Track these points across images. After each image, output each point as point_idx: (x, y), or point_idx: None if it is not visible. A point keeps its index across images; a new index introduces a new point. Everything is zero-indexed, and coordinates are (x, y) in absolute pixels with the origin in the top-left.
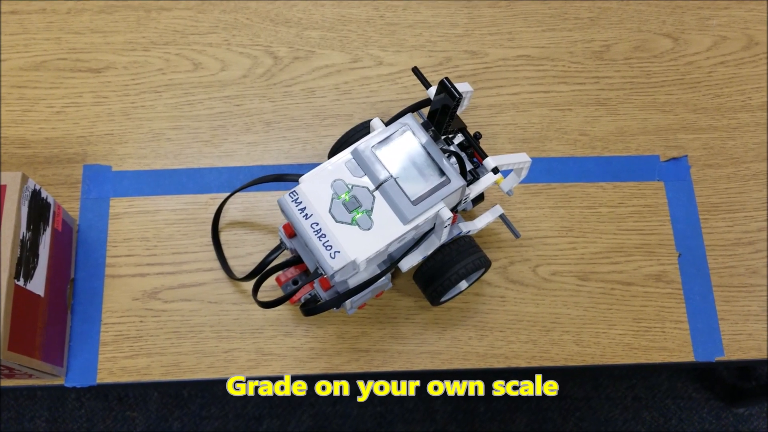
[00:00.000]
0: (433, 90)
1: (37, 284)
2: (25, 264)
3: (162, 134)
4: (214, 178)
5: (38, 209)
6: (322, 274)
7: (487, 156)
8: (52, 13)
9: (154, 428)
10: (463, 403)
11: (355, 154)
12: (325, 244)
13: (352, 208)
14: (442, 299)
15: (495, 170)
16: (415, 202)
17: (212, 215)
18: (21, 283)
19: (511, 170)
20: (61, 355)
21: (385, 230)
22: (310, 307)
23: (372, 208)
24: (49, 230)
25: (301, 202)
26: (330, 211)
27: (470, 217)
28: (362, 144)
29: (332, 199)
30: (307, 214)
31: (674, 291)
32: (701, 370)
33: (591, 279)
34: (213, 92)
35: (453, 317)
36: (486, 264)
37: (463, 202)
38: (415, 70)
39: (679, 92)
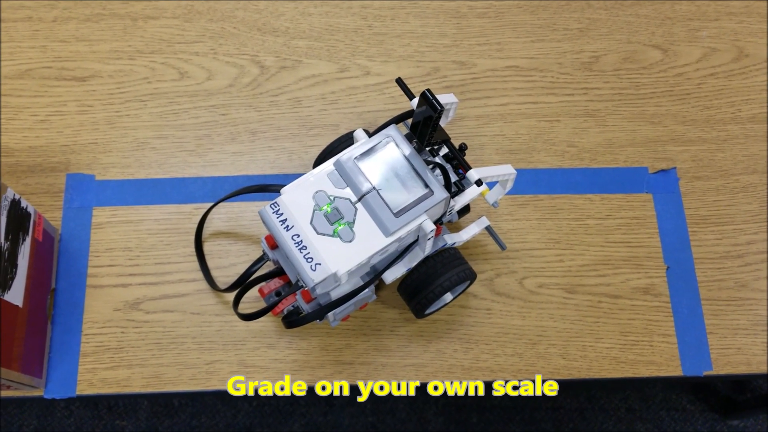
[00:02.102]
0: (416, 101)
1: (16, 295)
2: (2, 274)
3: (146, 143)
4: (198, 188)
5: (17, 219)
6: (303, 286)
7: (470, 168)
8: (38, 21)
9: None
10: (455, 413)
11: (338, 165)
12: (306, 256)
13: (334, 219)
14: (427, 312)
15: (478, 182)
16: (398, 214)
17: (196, 225)
18: None
19: (496, 181)
20: (40, 366)
21: (367, 242)
22: (292, 320)
23: (354, 220)
24: (29, 240)
25: (282, 214)
26: (311, 223)
27: (456, 228)
28: (345, 155)
29: (314, 210)
30: (288, 226)
31: (662, 304)
32: (695, 382)
33: (578, 291)
34: (198, 101)
35: (438, 330)
36: (471, 276)
37: (448, 213)
38: (399, 81)
39: (669, 104)
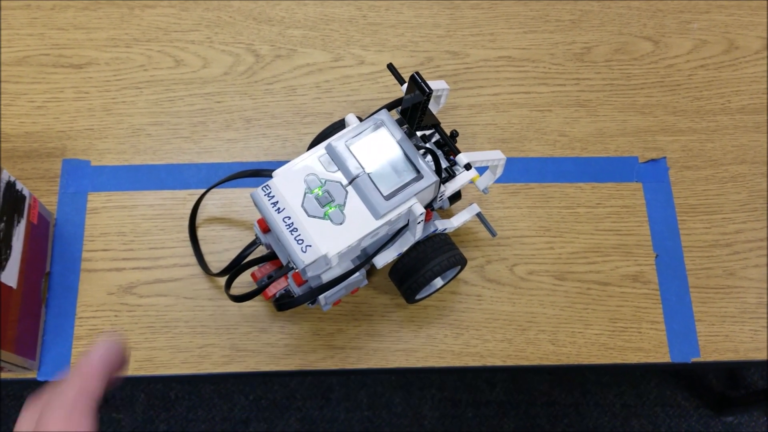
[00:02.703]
0: (406, 87)
1: (10, 276)
2: None
3: (142, 130)
4: (192, 174)
5: (12, 201)
6: (294, 268)
7: (460, 153)
8: (36, 9)
9: (140, 430)
10: (450, 408)
11: (329, 149)
12: (297, 238)
13: (325, 202)
14: (417, 296)
15: (467, 166)
16: (388, 197)
17: (190, 211)
18: None
19: (487, 167)
20: (33, 348)
21: (358, 225)
22: (283, 302)
23: (345, 202)
24: (23, 222)
25: (273, 196)
26: (302, 206)
27: (448, 215)
28: (336, 139)
29: (305, 193)
30: (279, 208)
31: (651, 292)
32: (690, 378)
33: (568, 279)
34: (194, 89)
35: (429, 315)
36: (461, 262)
37: (438, 199)
38: (390, 67)
39: (659, 94)
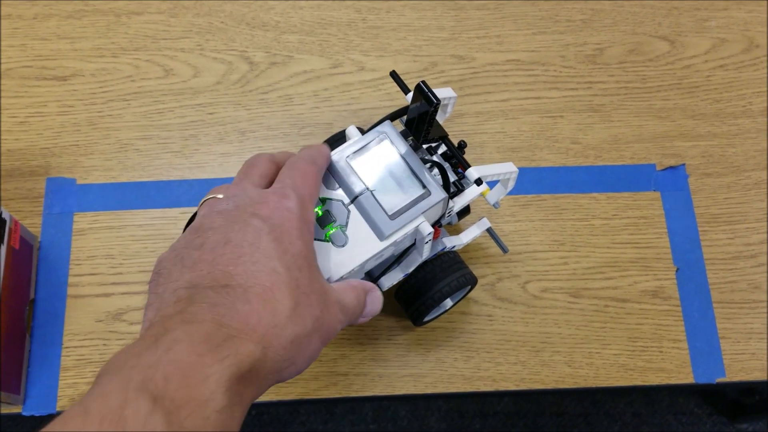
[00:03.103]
0: (411, 96)
1: None
2: None
3: (130, 145)
4: (184, 191)
5: None
6: None
7: (470, 166)
8: (18, 19)
9: None
10: (458, 419)
11: (330, 166)
12: None
13: (326, 223)
14: (426, 319)
15: (478, 181)
16: (393, 217)
17: (181, 231)
18: None
19: (497, 180)
20: (18, 382)
21: (361, 247)
22: None
23: (347, 222)
24: (4, 248)
25: None
26: None
27: (456, 231)
28: (336, 154)
29: None
30: None
31: (672, 308)
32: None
33: (583, 296)
34: (184, 100)
35: (437, 337)
36: (472, 281)
37: (447, 215)
38: (393, 75)
39: (676, 97)
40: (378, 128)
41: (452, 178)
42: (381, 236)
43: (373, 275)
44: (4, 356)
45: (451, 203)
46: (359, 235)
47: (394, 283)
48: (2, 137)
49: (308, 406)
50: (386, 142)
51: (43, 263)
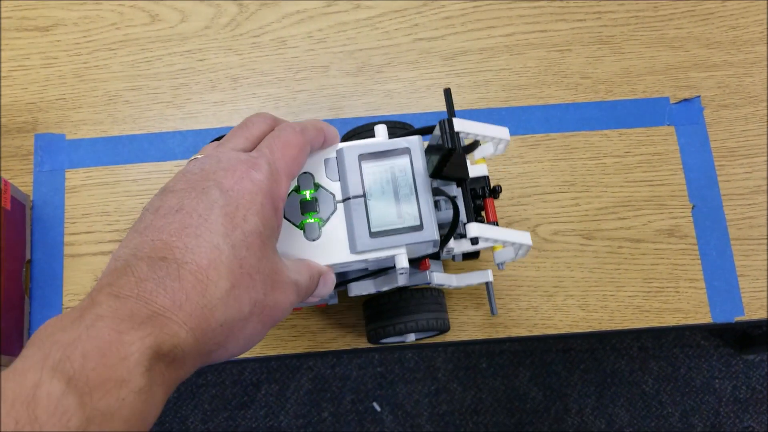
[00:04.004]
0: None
1: None
2: None
3: (118, 96)
4: (177, 143)
5: None
6: None
7: (475, 221)
8: None
9: None
10: (464, 359)
11: (339, 155)
12: None
13: (308, 210)
14: (382, 342)
15: (474, 241)
16: (374, 235)
17: None
18: None
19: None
20: (19, 344)
21: (329, 250)
22: None
23: (328, 219)
24: None
25: None
26: None
27: (458, 268)
28: (352, 147)
29: (292, 190)
30: None
31: (688, 247)
32: None
33: (596, 237)
34: (173, 47)
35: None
36: (443, 328)
37: (446, 252)
38: (447, 93)
39: (690, 25)
40: (406, 139)
41: (465, 220)
42: (353, 249)
43: (343, 277)
44: (4, 320)
45: (451, 244)
46: (333, 237)
47: (363, 294)
48: None
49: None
50: (406, 158)
51: (38, 223)
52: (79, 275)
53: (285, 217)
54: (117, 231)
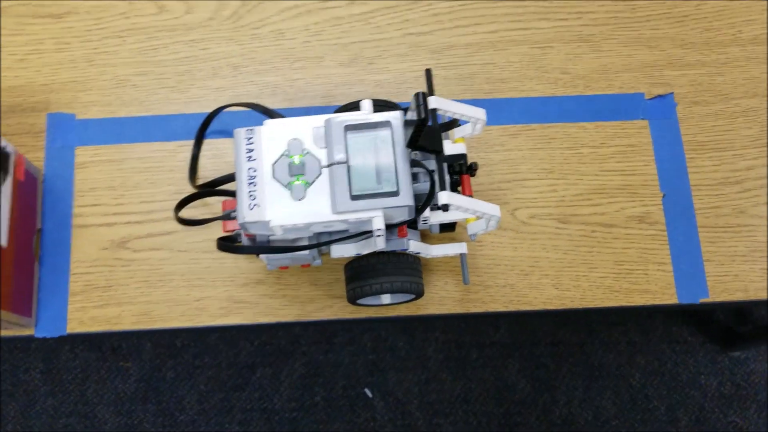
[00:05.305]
0: (433, 99)
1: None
2: None
3: (126, 80)
4: (181, 125)
5: None
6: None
7: (447, 190)
8: None
9: (148, 378)
10: (455, 349)
11: (327, 124)
12: (250, 193)
13: (296, 173)
14: (360, 302)
15: (444, 207)
16: (354, 198)
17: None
18: None
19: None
20: (29, 305)
21: (313, 209)
22: (224, 244)
23: (313, 181)
24: (10, 180)
25: (252, 143)
26: (273, 164)
27: (439, 239)
28: (339, 118)
29: (282, 154)
30: (251, 157)
31: (658, 232)
32: (696, 314)
33: (571, 221)
34: (178, 36)
35: (428, 263)
36: (417, 292)
37: (423, 222)
38: (427, 74)
39: (666, 27)
40: (389, 114)
41: (443, 192)
42: (334, 209)
43: (321, 239)
44: (15, 282)
45: (427, 213)
46: (317, 198)
47: (344, 256)
48: (2, 74)
49: (308, 337)
50: (388, 131)
51: (48, 195)
52: (86, 244)
53: (274, 178)
54: (122, 204)
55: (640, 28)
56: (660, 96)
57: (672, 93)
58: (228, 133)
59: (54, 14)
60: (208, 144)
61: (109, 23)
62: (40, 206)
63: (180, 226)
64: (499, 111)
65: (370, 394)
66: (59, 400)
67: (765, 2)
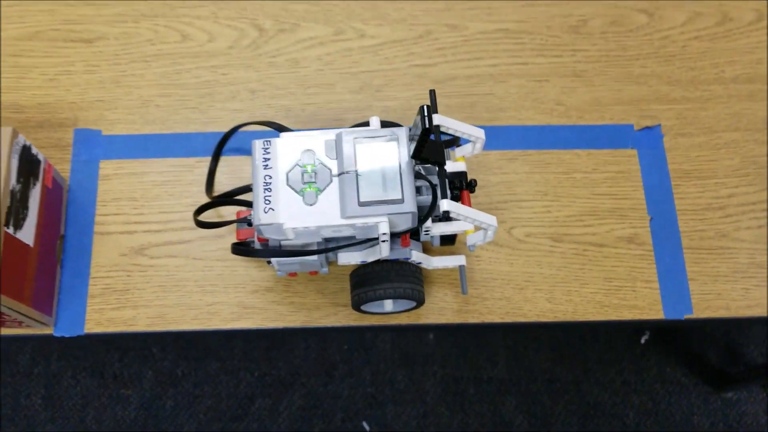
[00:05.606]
0: (437, 117)
1: (27, 235)
2: (15, 214)
3: (151, 101)
4: (200, 143)
5: (28, 164)
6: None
7: (449, 198)
8: None
9: (148, 406)
10: (453, 384)
11: (338, 138)
12: (266, 198)
13: (308, 180)
14: (363, 307)
15: (446, 215)
16: (362, 204)
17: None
18: (11, 231)
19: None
20: (50, 305)
21: (323, 214)
22: (240, 248)
23: (324, 189)
24: (39, 186)
25: (269, 153)
26: (287, 173)
27: (440, 253)
28: (349, 132)
29: (296, 164)
30: (267, 165)
31: (645, 252)
32: (690, 354)
33: (564, 240)
34: (200, 62)
35: (429, 275)
36: (417, 299)
37: (424, 232)
38: (432, 93)
39: (654, 65)
40: (394, 129)
41: (444, 203)
42: (343, 214)
43: (329, 245)
44: (38, 282)
45: (429, 224)
46: (327, 203)
47: (350, 263)
48: (33, 93)
49: (308, 368)
50: (394, 143)
51: (72, 204)
52: (106, 250)
53: (288, 185)
54: (142, 214)
55: (630, 66)
56: (648, 127)
57: (659, 125)
58: (244, 151)
59: (85, 39)
60: (224, 161)
61: (136, 49)
62: (64, 214)
63: (195, 236)
64: (498, 137)
65: (367, 428)
66: (59, 426)
67: (745, 45)
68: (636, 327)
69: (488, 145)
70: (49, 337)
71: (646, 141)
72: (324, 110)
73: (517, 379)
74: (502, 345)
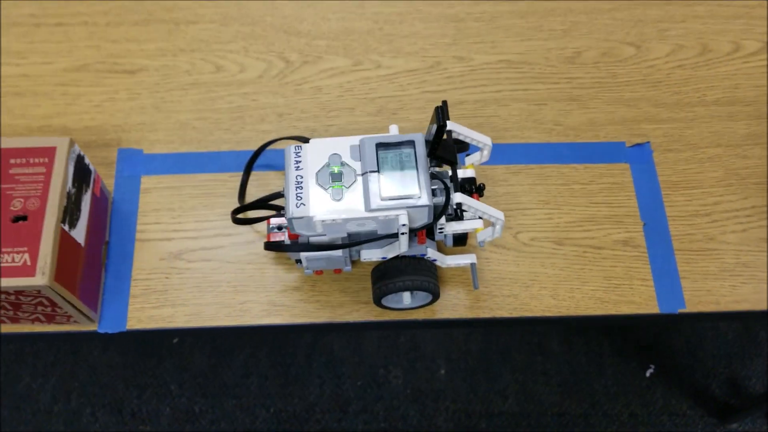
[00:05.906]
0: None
1: (79, 235)
2: (69, 213)
3: (188, 124)
4: (232, 160)
5: (81, 172)
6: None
7: (459, 192)
8: (93, 26)
9: None
10: (465, 419)
11: (362, 143)
12: (298, 194)
13: (335, 180)
14: (384, 303)
15: (458, 206)
16: (384, 199)
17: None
18: (66, 228)
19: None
20: (95, 304)
21: (350, 207)
22: (270, 244)
23: (350, 187)
24: (89, 192)
25: (300, 156)
26: (316, 173)
27: (451, 252)
28: (372, 138)
29: (325, 165)
30: (298, 167)
31: (640, 254)
32: (694, 388)
33: (566, 243)
34: (233, 90)
35: (443, 274)
36: (433, 292)
37: (438, 231)
38: (443, 105)
39: (643, 90)
40: (411, 135)
41: (455, 201)
42: (367, 207)
43: (354, 240)
44: (85, 279)
45: (443, 222)
46: (353, 198)
47: (372, 259)
48: (80, 117)
49: (323, 405)
50: (411, 148)
51: (116, 215)
52: (146, 255)
53: (317, 183)
54: (179, 223)
55: (621, 91)
56: (638, 144)
57: (648, 142)
58: (273, 167)
59: (128, 71)
60: (255, 175)
61: (174, 79)
62: (108, 222)
63: (228, 242)
64: (503, 153)
65: None
66: None
67: (724, 72)
68: (641, 361)
69: (494, 160)
70: (72, 372)
71: (638, 156)
72: (345, 131)
73: (527, 413)
74: (512, 380)
